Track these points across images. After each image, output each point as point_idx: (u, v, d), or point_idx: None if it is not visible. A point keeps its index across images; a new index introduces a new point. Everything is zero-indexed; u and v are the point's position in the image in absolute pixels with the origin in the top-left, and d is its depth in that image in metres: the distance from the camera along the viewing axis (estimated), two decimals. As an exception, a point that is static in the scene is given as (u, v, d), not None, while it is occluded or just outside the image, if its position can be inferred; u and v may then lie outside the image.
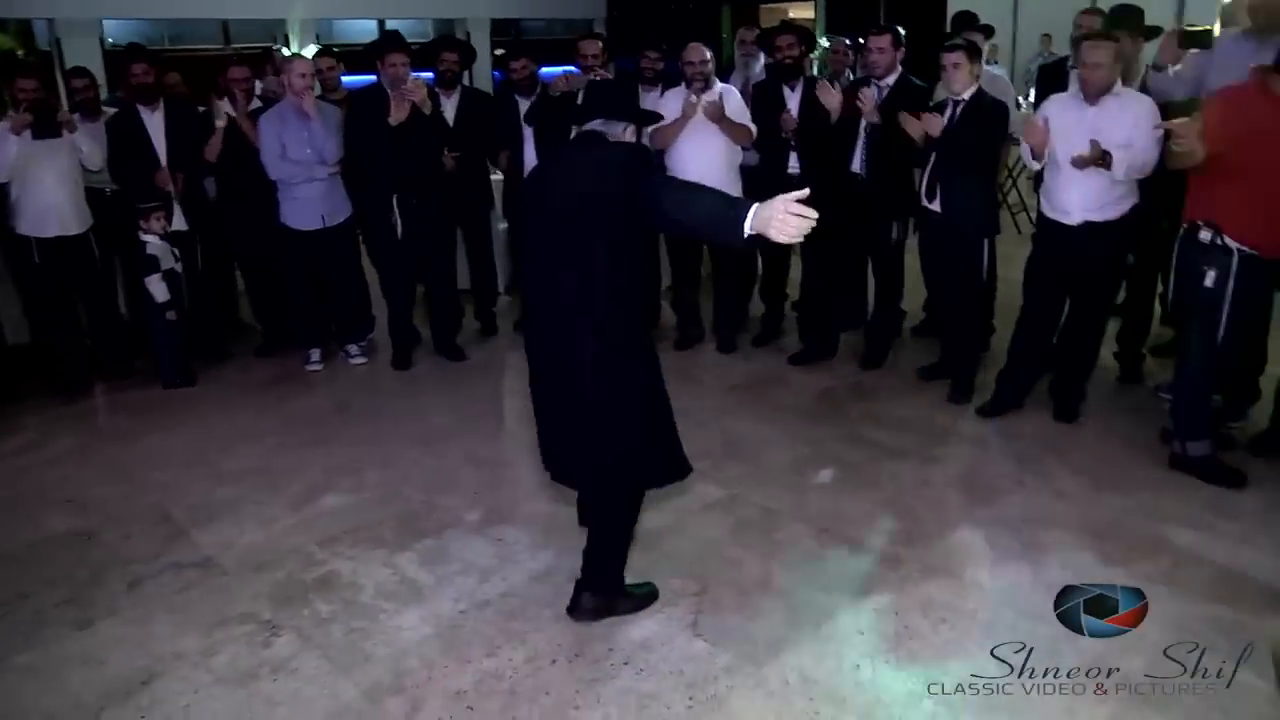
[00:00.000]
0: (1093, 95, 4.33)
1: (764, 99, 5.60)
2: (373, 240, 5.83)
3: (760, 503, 4.07)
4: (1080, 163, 4.28)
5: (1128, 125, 4.26)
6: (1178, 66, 4.79)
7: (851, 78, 6.11)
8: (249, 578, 3.65)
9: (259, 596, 3.52)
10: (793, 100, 5.50)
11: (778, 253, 5.95)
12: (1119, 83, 4.35)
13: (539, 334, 3.12)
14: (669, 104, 5.54)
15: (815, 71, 6.07)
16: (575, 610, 3.27)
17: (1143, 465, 4.28)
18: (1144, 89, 4.71)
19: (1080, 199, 4.42)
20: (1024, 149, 4.64)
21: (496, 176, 6.36)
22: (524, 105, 5.97)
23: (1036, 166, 4.63)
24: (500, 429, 4.94)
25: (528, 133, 5.91)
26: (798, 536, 3.80)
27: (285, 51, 8.02)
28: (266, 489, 4.34)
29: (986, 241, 4.96)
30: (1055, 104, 4.53)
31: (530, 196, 3.18)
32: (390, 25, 13.62)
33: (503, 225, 6.77)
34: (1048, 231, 4.63)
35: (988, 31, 6.07)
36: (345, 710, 2.92)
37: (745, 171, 5.68)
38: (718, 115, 5.36)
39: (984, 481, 4.21)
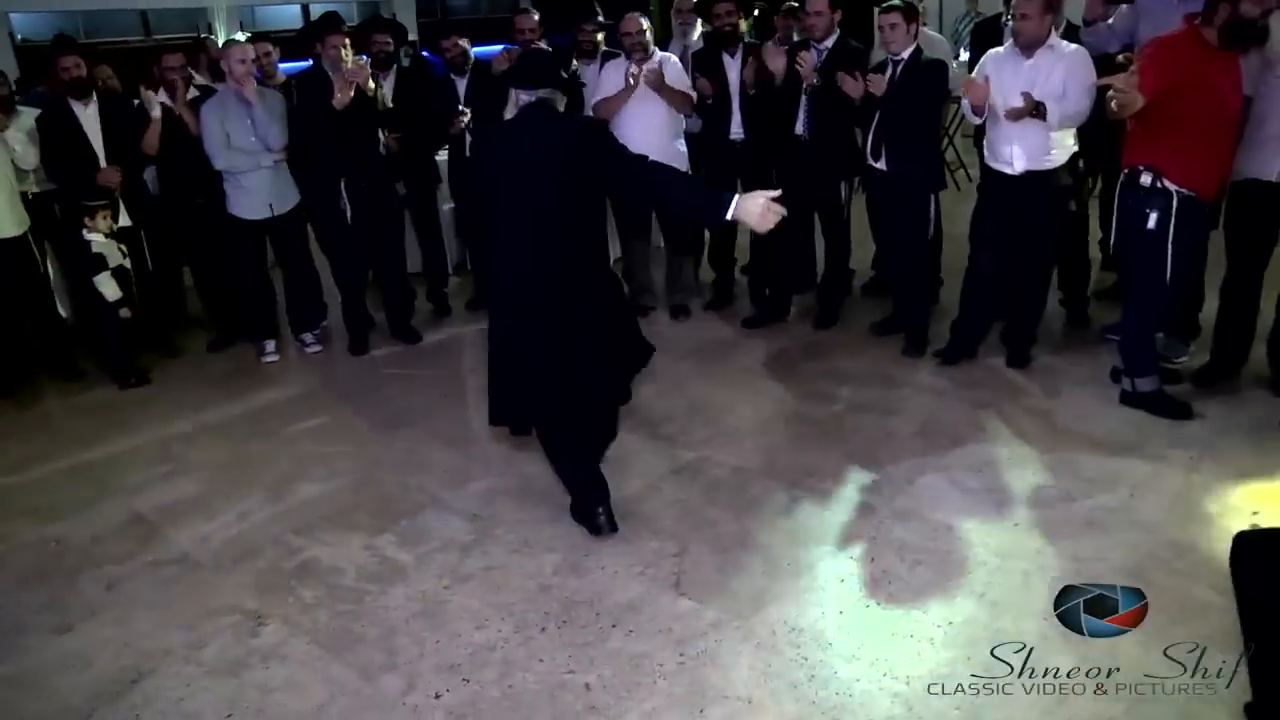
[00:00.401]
0: (1026, 48, 4.44)
1: (703, 66, 5.63)
2: (321, 227, 5.77)
3: (729, 462, 4.15)
4: (1014, 114, 4.40)
5: (1062, 76, 4.38)
6: (1111, 21, 4.92)
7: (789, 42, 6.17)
8: (229, 570, 3.64)
9: (241, 587, 3.52)
10: (732, 67, 5.54)
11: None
12: (1054, 34, 4.46)
13: (524, 289, 3.32)
14: (609, 76, 5.56)
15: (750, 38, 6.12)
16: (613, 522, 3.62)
17: (1095, 404, 4.43)
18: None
19: (1021, 150, 4.53)
20: (964, 105, 4.75)
21: (441, 156, 6.32)
22: (460, 84, 5.95)
23: (977, 121, 4.73)
24: (464, 407, 4.95)
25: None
26: (770, 492, 3.88)
27: (218, 40, 7.84)
28: (237, 482, 4.32)
29: (933, 197, 5.07)
30: (992, 59, 4.63)
31: (493, 165, 3.33)
32: (315, 9, 13.40)
33: (448, 205, 6.74)
34: (991, 183, 4.75)
35: (922, -9, 6.16)
36: (341, 691, 2.95)
37: (689, 139, 5.73)
38: (658, 83, 5.38)
39: (944, 429, 4.33)
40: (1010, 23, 4.68)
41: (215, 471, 4.44)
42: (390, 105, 5.52)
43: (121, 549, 3.84)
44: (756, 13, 8.09)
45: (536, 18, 5.99)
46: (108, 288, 5.22)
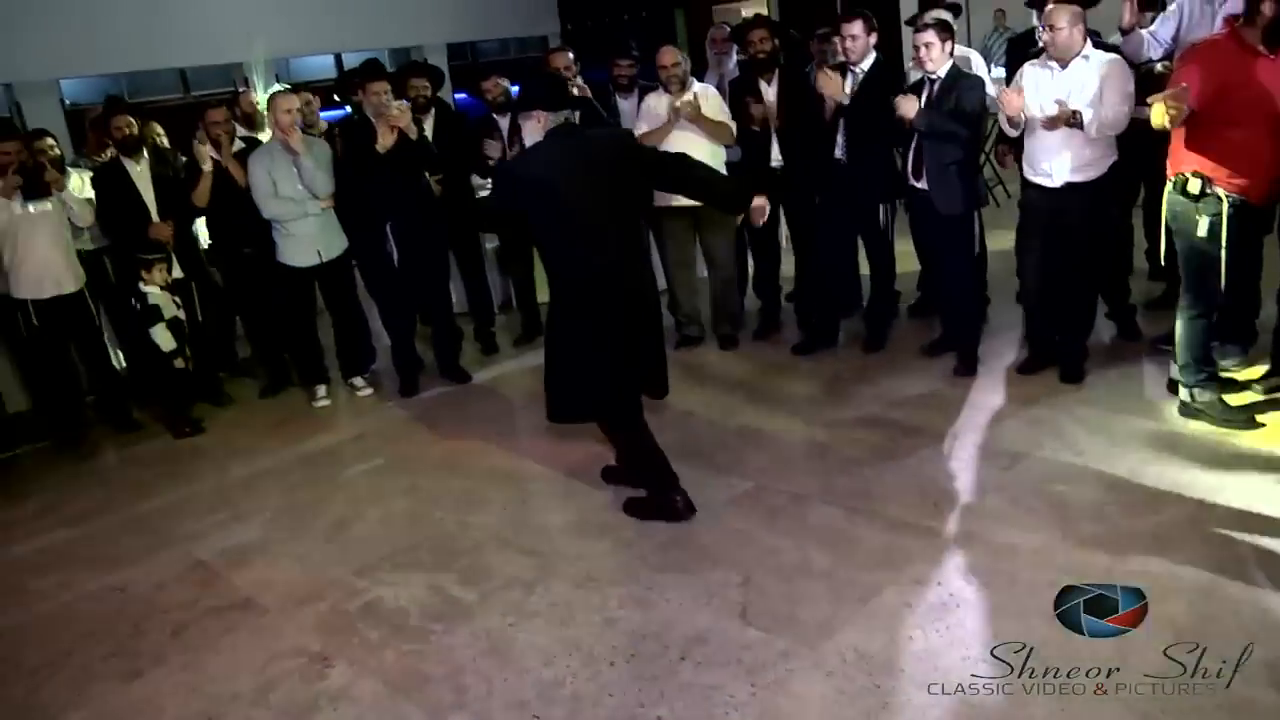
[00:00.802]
0: (1060, 58, 4.43)
1: (741, 95, 5.65)
2: (368, 270, 5.83)
3: (787, 489, 4.12)
4: (1050, 124, 4.38)
5: (1097, 84, 4.36)
6: (1153, 27, 4.89)
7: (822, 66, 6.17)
8: (292, 613, 3.66)
9: (305, 630, 3.53)
10: (769, 94, 5.56)
11: (768, 246, 6.01)
12: (1088, 44, 4.44)
13: (612, 282, 3.65)
14: (648, 108, 5.60)
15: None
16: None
17: (1153, 417, 4.36)
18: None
19: (1060, 161, 4.51)
20: (1001, 119, 4.73)
21: (482, 195, 6.38)
22: (503, 123, 6.01)
23: (1014, 133, 4.72)
24: (516, 444, 4.96)
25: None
26: (830, 518, 3.85)
27: (254, 94, 8.01)
28: (294, 526, 4.36)
29: (976, 214, 5.05)
30: (1029, 71, 4.63)
31: (541, 183, 3.58)
32: (348, 58, 13.61)
33: (491, 244, 6.79)
34: (1032, 196, 4.72)
35: (955, 9, 6.15)
36: (412, 731, 2.95)
37: (729, 168, 5.73)
38: (695, 115, 5.41)
39: (1002, 448, 4.27)
40: (1042, 35, 4.67)
41: (273, 516, 4.49)
42: (432, 146, 5.59)
43: (185, 596, 3.88)
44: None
45: (571, 55, 6.05)
46: (163, 339, 5.33)
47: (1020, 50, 5.63)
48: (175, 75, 13.42)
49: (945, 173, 4.85)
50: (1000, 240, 4.93)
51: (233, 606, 3.76)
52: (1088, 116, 4.30)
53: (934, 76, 4.85)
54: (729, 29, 6.42)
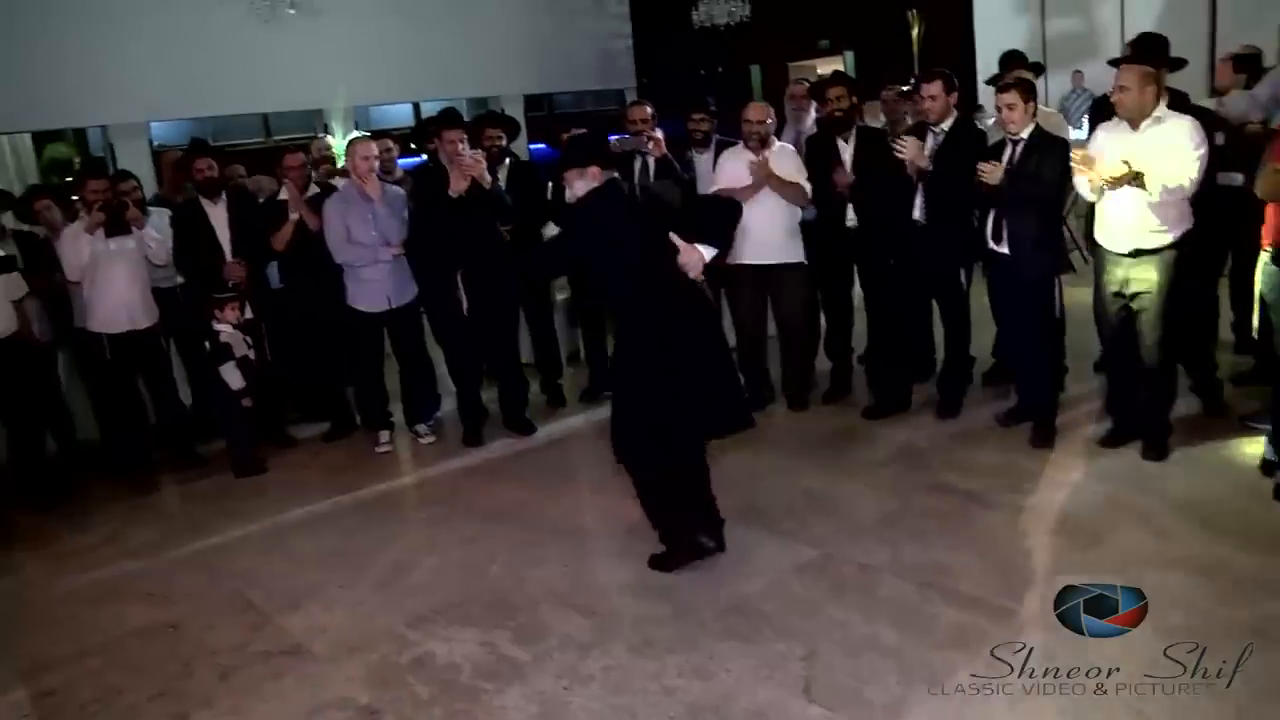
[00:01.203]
0: (1125, 118, 4.32)
1: (817, 153, 5.58)
2: (437, 318, 5.82)
3: (855, 559, 3.96)
4: (1114, 184, 4.24)
5: (1165, 147, 4.21)
6: (1256, 89, 4.76)
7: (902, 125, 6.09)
8: (341, 661, 3.59)
9: (353, 680, 3.46)
10: (846, 152, 5.48)
11: (841, 307, 5.90)
12: (1162, 106, 4.30)
13: (667, 318, 3.75)
14: (725, 165, 5.55)
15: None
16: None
17: (1243, 498, 4.13)
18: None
19: (1126, 226, 4.37)
20: (1078, 181, 4.59)
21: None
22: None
23: (1091, 197, 4.58)
24: (579, 499, 4.88)
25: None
26: (900, 592, 3.69)
27: (331, 140, 8.17)
28: (349, 571, 4.30)
29: (1057, 280, 4.89)
30: (1104, 133, 4.50)
31: (615, 223, 3.80)
32: (426, 107, 13.86)
33: (562, 295, 6.77)
34: (1103, 261, 4.57)
35: (1037, 69, 6.04)
36: (458, 796, 2.84)
37: (804, 227, 5.65)
38: (765, 174, 5.33)
39: (1081, 525, 4.08)
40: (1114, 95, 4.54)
41: (327, 560, 4.45)
42: (505, 196, 5.59)
43: (235, 638, 3.83)
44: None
45: (650, 110, 6.03)
46: (233, 377, 5.37)
47: (1103, 111, 5.50)
48: (258, 119, 13.81)
49: (1027, 237, 4.72)
50: (1081, 306, 4.78)
51: (282, 652, 3.71)
52: (1151, 179, 4.15)
53: (1017, 138, 4.74)
54: (808, 85, 6.36)
